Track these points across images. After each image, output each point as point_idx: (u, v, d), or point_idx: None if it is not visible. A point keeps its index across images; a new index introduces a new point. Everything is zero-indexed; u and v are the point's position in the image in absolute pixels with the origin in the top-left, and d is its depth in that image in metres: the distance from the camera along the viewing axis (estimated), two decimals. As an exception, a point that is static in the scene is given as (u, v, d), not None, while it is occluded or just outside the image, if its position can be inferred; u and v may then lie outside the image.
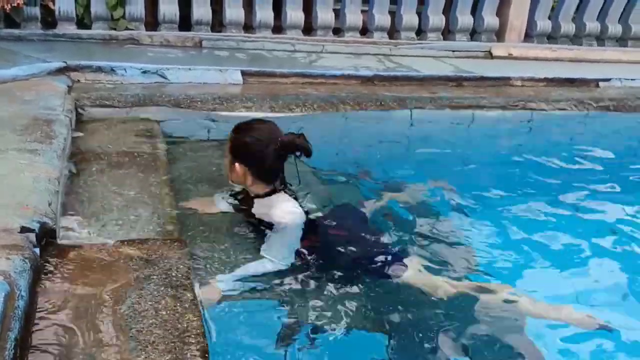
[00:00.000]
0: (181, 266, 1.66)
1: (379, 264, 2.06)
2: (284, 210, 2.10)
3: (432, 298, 1.96)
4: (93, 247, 1.73)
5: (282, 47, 5.17)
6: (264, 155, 2.11)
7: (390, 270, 2.03)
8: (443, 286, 1.99)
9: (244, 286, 1.88)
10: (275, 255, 1.99)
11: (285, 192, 2.20)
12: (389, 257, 2.09)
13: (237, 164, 2.16)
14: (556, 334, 1.93)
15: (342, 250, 2.10)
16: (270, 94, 3.93)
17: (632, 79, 5.39)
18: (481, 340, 1.84)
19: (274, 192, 2.19)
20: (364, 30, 5.77)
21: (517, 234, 2.62)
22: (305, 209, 2.21)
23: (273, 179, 2.18)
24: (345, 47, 5.42)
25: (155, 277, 1.59)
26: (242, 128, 2.17)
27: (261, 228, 2.14)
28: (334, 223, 2.23)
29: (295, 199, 2.21)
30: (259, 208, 2.17)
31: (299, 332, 1.76)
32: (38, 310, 1.42)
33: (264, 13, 5.30)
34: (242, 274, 1.91)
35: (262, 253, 2.01)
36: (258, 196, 2.21)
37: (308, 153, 2.12)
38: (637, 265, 2.46)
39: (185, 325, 1.40)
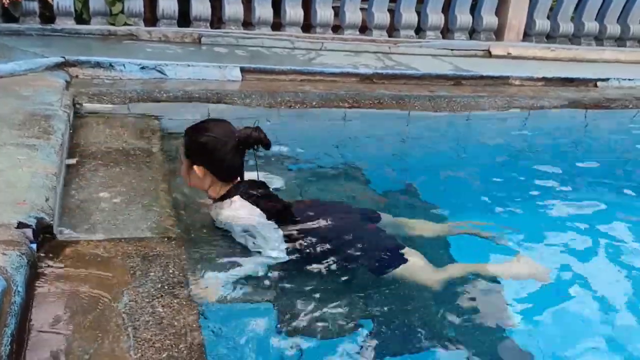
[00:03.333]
0: (178, 263, 1.66)
1: (377, 257, 2.07)
2: (232, 212, 2.06)
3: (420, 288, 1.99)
4: (90, 243, 1.73)
5: (281, 44, 5.16)
6: (223, 152, 2.06)
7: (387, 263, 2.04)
8: (432, 275, 2.03)
9: (240, 283, 1.89)
10: (264, 253, 1.99)
11: (238, 195, 2.12)
12: (387, 252, 2.10)
13: (195, 167, 2.10)
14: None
15: (334, 242, 2.10)
16: (269, 90, 3.93)
17: (630, 79, 5.40)
18: (467, 331, 1.86)
19: (227, 195, 2.13)
20: (363, 28, 5.76)
21: (511, 233, 2.62)
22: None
23: (233, 176, 2.14)
24: (344, 44, 5.42)
25: (152, 274, 1.60)
26: (196, 129, 2.11)
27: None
28: (326, 217, 2.21)
29: (257, 199, 2.14)
30: (216, 215, 2.14)
31: (293, 326, 1.77)
32: (34, 306, 1.42)
33: (263, 10, 5.29)
34: (240, 274, 1.91)
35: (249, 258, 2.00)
36: (215, 200, 2.18)
37: (267, 146, 2.10)
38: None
39: (181, 323, 1.41)
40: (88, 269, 1.59)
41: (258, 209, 2.09)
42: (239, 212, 2.06)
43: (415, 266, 2.05)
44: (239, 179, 2.18)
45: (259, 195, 2.15)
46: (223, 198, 2.15)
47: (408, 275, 2.03)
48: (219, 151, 2.07)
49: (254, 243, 2.01)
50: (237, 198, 2.10)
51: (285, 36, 5.30)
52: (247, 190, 2.14)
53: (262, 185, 2.23)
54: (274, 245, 2.01)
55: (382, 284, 2.01)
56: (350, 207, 2.47)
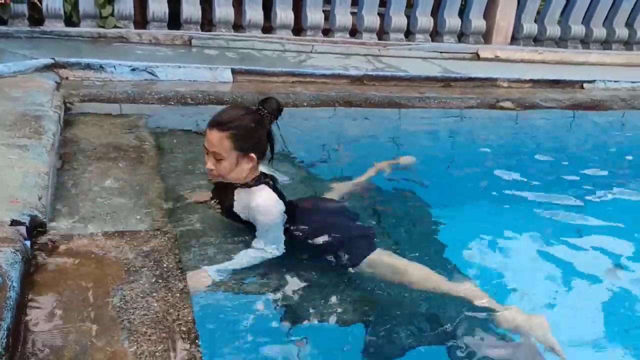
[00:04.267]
0: (172, 257, 1.67)
1: (358, 247, 2.10)
2: (264, 201, 2.02)
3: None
4: (83, 239, 1.74)
5: (272, 46, 5.19)
6: (266, 130, 2.01)
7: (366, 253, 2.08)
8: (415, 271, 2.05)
9: (233, 276, 1.90)
10: (265, 247, 2.01)
11: (265, 184, 2.10)
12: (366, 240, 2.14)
13: (250, 155, 1.99)
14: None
15: (325, 236, 2.12)
16: (260, 92, 3.94)
17: (615, 81, 5.50)
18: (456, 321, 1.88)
19: (257, 181, 2.09)
20: (354, 32, 5.81)
21: (500, 233, 2.66)
22: (287, 199, 2.18)
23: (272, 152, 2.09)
24: (334, 47, 5.46)
25: (146, 268, 1.60)
26: (235, 118, 1.97)
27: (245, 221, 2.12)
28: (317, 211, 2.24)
29: (275, 188, 2.14)
30: (240, 200, 2.09)
31: (287, 321, 1.79)
32: (29, 301, 1.43)
33: (254, 12, 5.31)
34: (234, 267, 1.93)
35: (253, 247, 2.02)
36: (243, 186, 2.10)
37: (281, 111, 2.05)
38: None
39: (176, 315, 1.41)
40: (82, 265, 1.59)
41: (282, 202, 2.09)
42: (271, 201, 2.04)
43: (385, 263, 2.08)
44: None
45: (277, 188, 2.16)
46: (250, 185, 2.08)
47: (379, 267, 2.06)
48: (263, 130, 2.00)
49: (264, 236, 2.02)
50: (265, 187, 2.07)
51: (275, 39, 5.33)
52: (269, 181, 2.12)
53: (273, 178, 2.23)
54: (279, 244, 2.03)
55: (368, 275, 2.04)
56: (335, 202, 2.50)
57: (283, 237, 2.06)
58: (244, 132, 1.97)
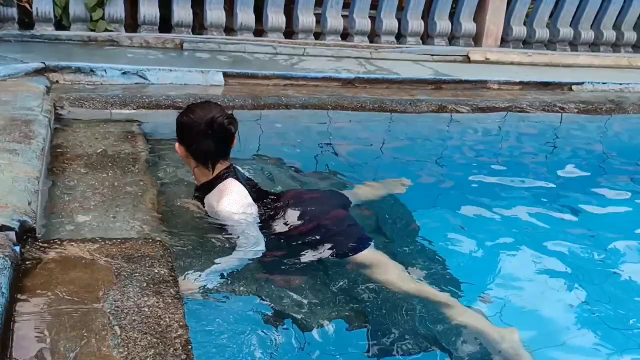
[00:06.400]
0: (164, 264, 1.67)
1: (349, 244, 2.11)
2: (226, 203, 2.08)
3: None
4: (74, 245, 1.73)
5: (264, 49, 5.19)
6: (194, 134, 2.12)
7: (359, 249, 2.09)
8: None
9: (221, 280, 1.90)
10: (245, 249, 2.01)
11: (232, 178, 2.16)
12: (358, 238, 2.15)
13: (177, 144, 2.21)
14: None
15: (313, 233, 2.14)
16: (252, 95, 3.94)
17: (603, 83, 5.56)
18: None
19: (218, 179, 2.15)
20: (345, 35, 5.83)
21: (489, 235, 2.68)
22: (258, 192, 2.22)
23: (211, 162, 2.15)
24: (326, 50, 5.47)
25: (137, 275, 1.60)
26: (187, 108, 2.21)
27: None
28: (304, 207, 2.24)
29: (247, 184, 2.19)
30: (208, 201, 2.17)
31: (279, 323, 1.79)
32: (19, 307, 1.42)
33: (246, 16, 5.31)
34: (218, 270, 1.92)
35: (233, 254, 2.02)
36: (204, 186, 2.19)
37: (230, 134, 2.12)
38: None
39: (167, 321, 1.41)
40: (73, 271, 1.59)
41: (249, 195, 2.12)
42: (235, 197, 2.09)
43: (382, 265, 2.08)
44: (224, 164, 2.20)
45: (246, 180, 2.20)
46: (213, 182, 2.17)
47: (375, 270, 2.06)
48: (189, 132, 2.15)
49: (242, 232, 2.03)
50: (230, 180, 2.14)
51: (267, 42, 5.33)
52: (237, 174, 2.19)
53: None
54: (258, 239, 2.04)
55: (359, 273, 2.05)
56: (327, 196, 2.51)
57: (258, 234, 2.06)
58: (177, 123, 2.22)
